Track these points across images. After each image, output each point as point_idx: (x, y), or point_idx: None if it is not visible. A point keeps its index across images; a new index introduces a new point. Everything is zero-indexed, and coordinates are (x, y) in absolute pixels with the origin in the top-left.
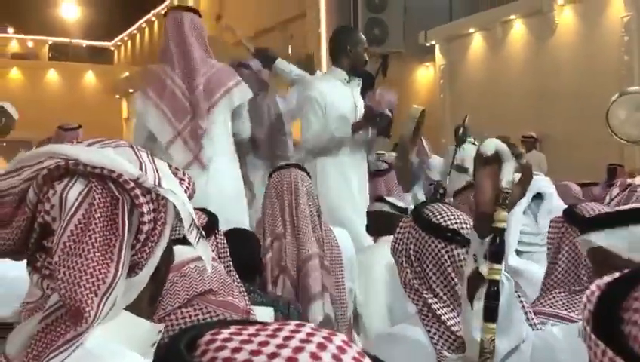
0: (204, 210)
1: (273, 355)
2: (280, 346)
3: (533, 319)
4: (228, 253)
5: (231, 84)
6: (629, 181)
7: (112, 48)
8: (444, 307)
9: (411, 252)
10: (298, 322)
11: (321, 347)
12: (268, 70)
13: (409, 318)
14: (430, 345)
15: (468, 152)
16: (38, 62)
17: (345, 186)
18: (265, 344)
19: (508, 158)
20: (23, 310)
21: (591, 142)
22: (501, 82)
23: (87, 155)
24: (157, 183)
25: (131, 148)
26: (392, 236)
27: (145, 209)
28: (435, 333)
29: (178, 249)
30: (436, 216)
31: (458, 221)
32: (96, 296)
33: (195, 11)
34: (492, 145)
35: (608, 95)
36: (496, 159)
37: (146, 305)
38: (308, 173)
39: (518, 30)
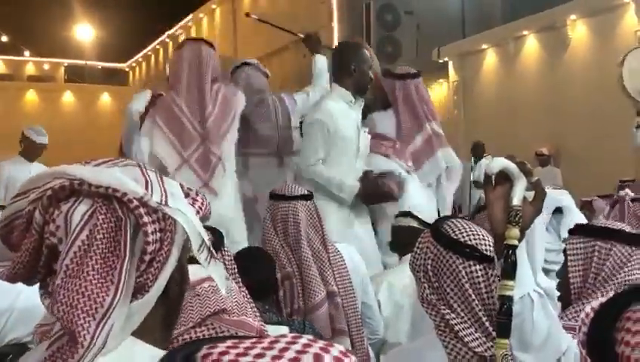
0: (208, 228)
1: None
2: (275, 357)
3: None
4: (235, 271)
5: (237, 105)
6: (615, 196)
7: (127, 69)
8: (461, 323)
9: (429, 267)
10: (295, 334)
11: (318, 358)
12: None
13: (425, 338)
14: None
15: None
16: (54, 85)
17: (348, 229)
18: (261, 356)
19: (517, 176)
20: (36, 332)
21: (606, 156)
22: (515, 98)
23: (91, 175)
24: (163, 202)
25: (139, 167)
26: None
27: (149, 229)
28: (452, 349)
29: (191, 268)
30: (455, 231)
31: (477, 237)
32: (93, 319)
33: (211, 45)
34: (497, 164)
35: (622, 109)
36: (505, 178)
37: (159, 329)
38: (311, 196)
39: (531, 45)
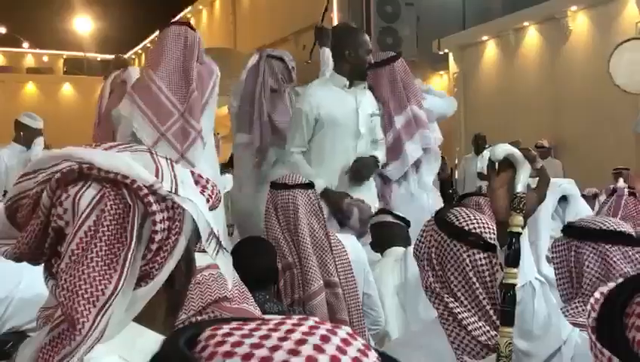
0: None
1: (275, 348)
2: (282, 339)
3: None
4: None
5: (212, 80)
6: (612, 186)
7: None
8: (465, 311)
9: (433, 255)
10: (301, 316)
11: (325, 339)
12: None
13: (424, 326)
14: (446, 353)
15: (486, 160)
16: (53, 77)
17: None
18: (266, 337)
19: (521, 163)
20: (40, 316)
21: (607, 147)
22: (515, 89)
23: (102, 159)
24: (173, 191)
25: (150, 153)
26: (396, 248)
27: (158, 217)
28: (455, 338)
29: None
30: (459, 219)
31: (481, 225)
32: (94, 306)
33: (192, 27)
34: (501, 150)
35: (623, 100)
36: (509, 165)
37: (163, 317)
38: (312, 185)
39: (532, 37)
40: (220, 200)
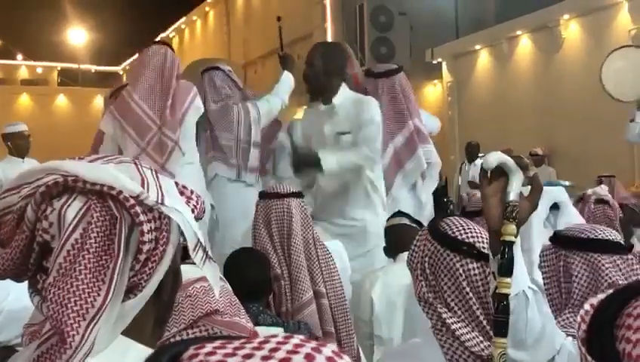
0: None
1: None
2: (265, 358)
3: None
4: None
5: (190, 93)
6: (582, 193)
7: (121, 72)
8: (458, 322)
9: (426, 265)
10: (287, 334)
11: (310, 358)
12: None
13: (421, 337)
14: None
15: (479, 169)
16: (47, 88)
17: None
18: (249, 356)
19: (514, 171)
20: (25, 333)
21: (601, 155)
22: (509, 98)
23: (87, 171)
24: (160, 201)
25: (134, 164)
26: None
27: (145, 228)
28: (448, 349)
29: (183, 268)
30: (452, 229)
31: (474, 235)
32: (83, 319)
33: (172, 48)
34: (494, 159)
35: (616, 108)
36: (501, 173)
37: (151, 329)
38: (302, 194)
39: (525, 45)
40: (204, 212)
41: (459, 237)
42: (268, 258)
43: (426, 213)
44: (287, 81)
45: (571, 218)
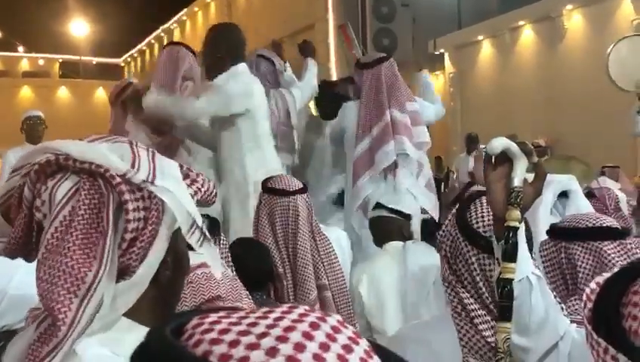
0: (203, 215)
1: (262, 335)
2: (270, 326)
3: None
4: (230, 260)
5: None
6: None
7: (122, 64)
8: (477, 309)
9: (448, 249)
10: (291, 304)
11: (314, 326)
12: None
13: (427, 321)
14: (446, 351)
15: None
16: (48, 80)
17: None
18: (254, 325)
19: (518, 157)
20: (29, 316)
21: (603, 146)
22: (511, 88)
23: (77, 150)
24: (150, 180)
25: (130, 144)
26: (394, 243)
27: (130, 206)
28: (464, 334)
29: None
30: (477, 218)
31: None
32: (75, 296)
33: (190, 48)
34: (499, 144)
35: (619, 98)
36: (506, 159)
37: (150, 312)
38: (307, 189)
39: (527, 36)
40: (215, 196)
41: (480, 229)
42: (267, 247)
43: (408, 203)
44: (312, 67)
45: (580, 206)
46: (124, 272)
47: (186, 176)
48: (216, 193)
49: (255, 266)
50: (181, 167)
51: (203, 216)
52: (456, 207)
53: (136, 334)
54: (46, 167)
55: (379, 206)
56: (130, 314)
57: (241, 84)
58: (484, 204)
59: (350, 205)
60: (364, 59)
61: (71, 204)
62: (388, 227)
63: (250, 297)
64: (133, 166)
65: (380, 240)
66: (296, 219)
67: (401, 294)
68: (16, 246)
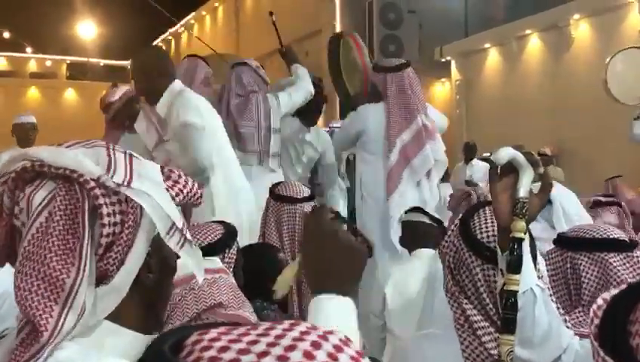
0: (222, 223)
1: (263, 354)
2: (271, 344)
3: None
4: (239, 265)
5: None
6: None
7: (129, 67)
8: (480, 321)
9: (451, 260)
10: (293, 321)
11: (316, 346)
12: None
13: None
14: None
15: (476, 168)
16: (56, 82)
17: None
18: (254, 342)
19: (525, 167)
20: (17, 321)
21: (609, 156)
22: (517, 97)
23: (50, 156)
24: (125, 183)
25: (106, 148)
26: (426, 250)
27: (105, 210)
28: (467, 346)
29: (185, 261)
30: (481, 229)
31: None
32: (55, 303)
33: (203, 59)
34: (505, 154)
35: (625, 108)
36: (512, 169)
37: (135, 315)
38: (314, 196)
39: (534, 45)
40: (199, 197)
41: (484, 239)
42: (270, 251)
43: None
44: (303, 72)
45: (568, 210)
46: (103, 277)
47: (167, 178)
48: (201, 194)
49: (260, 275)
50: (162, 168)
51: (217, 223)
52: (459, 217)
53: (119, 338)
54: (23, 173)
55: (416, 210)
56: (115, 318)
57: (187, 102)
58: (488, 215)
59: (391, 213)
60: (385, 62)
61: (48, 210)
62: (423, 232)
63: (250, 305)
64: (108, 169)
65: (412, 244)
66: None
67: (427, 301)
68: (2, 253)
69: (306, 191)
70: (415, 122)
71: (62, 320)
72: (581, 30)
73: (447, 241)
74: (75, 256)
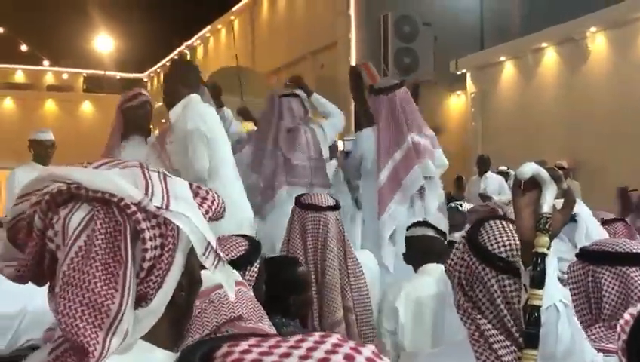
0: (245, 237)
1: None
2: (303, 357)
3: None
4: (261, 278)
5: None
6: None
7: (145, 80)
8: (496, 335)
9: (462, 276)
10: (323, 333)
11: (349, 358)
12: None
13: (448, 347)
14: None
15: (490, 181)
16: (72, 94)
17: None
18: (286, 355)
19: (548, 182)
20: (44, 337)
21: (626, 169)
22: (533, 110)
23: (88, 178)
24: (164, 206)
25: (140, 168)
26: (433, 265)
27: (147, 235)
28: (485, 361)
29: (205, 274)
30: (491, 240)
31: (514, 247)
32: (100, 329)
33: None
34: (529, 169)
35: None
36: (535, 184)
37: (166, 333)
38: (339, 206)
39: (550, 58)
40: (224, 210)
41: (495, 250)
42: (290, 265)
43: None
44: (323, 100)
45: (591, 231)
46: (141, 299)
47: (195, 195)
48: (224, 208)
49: (278, 290)
50: (190, 185)
51: (243, 236)
52: (463, 234)
53: (152, 355)
54: (57, 196)
55: (421, 224)
56: (147, 336)
57: (196, 111)
58: (494, 227)
59: (381, 233)
60: (378, 85)
61: (85, 234)
62: (431, 247)
63: (268, 319)
64: (146, 192)
65: (418, 260)
66: (326, 234)
67: (439, 316)
68: (27, 272)
69: (331, 201)
70: (406, 142)
71: (107, 344)
72: (598, 43)
73: (454, 259)
74: (118, 281)
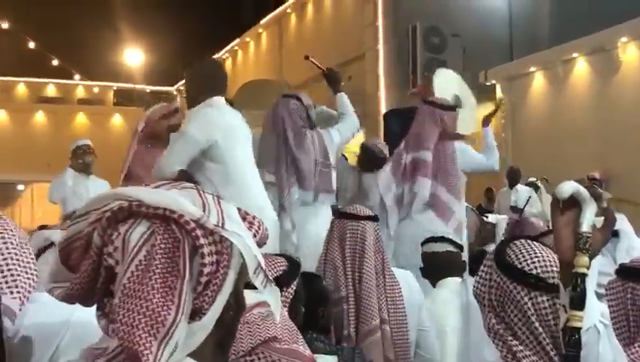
0: (284, 256)
1: None
2: None
3: None
4: (299, 304)
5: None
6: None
7: (175, 93)
8: (530, 356)
9: (493, 297)
10: None
11: None
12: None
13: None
14: None
15: (521, 193)
16: (103, 108)
17: None
18: None
19: (588, 201)
20: (84, 354)
21: None
22: (564, 121)
23: (150, 196)
24: (220, 224)
25: (196, 190)
26: (452, 279)
27: (205, 250)
28: None
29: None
30: (519, 258)
31: (543, 264)
32: (155, 338)
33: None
34: (568, 188)
35: None
36: (574, 203)
37: (211, 353)
38: (377, 218)
39: (581, 68)
40: (267, 238)
41: (525, 268)
42: (314, 281)
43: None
44: (347, 102)
45: (634, 246)
46: (194, 314)
47: (243, 219)
48: (267, 234)
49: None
50: (239, 210)
51: (281, 256)
52: (488, 256)
53: None
54: (118, 213)
55: (439, 239)
56: (194, 354)
57: (202, 115)
58: (521, 245)
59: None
60: (434, 98)
61: (145, 248)
62: (449, 263)
63: (302, 338)
64: (204, 211)
65: (435, 274)
66: (363, 243)
67: (464, 332)
68: (79, 291)
69: (369, 212)
70: (423, 151)
71: (160, 354)
72: (629, 53)
73: (481, 281)
74: (174, 294)
